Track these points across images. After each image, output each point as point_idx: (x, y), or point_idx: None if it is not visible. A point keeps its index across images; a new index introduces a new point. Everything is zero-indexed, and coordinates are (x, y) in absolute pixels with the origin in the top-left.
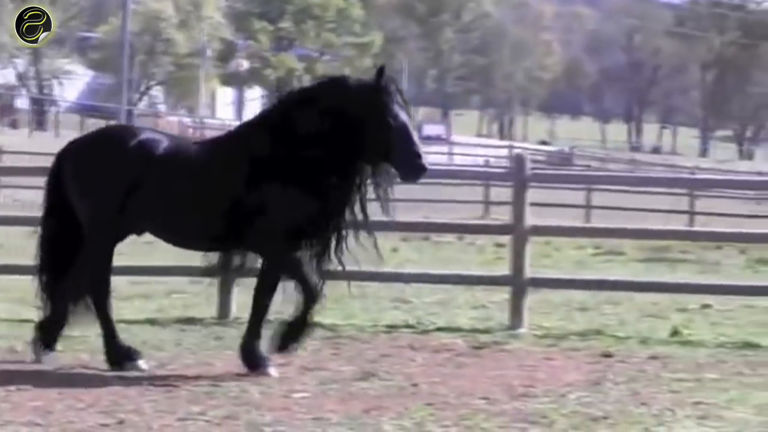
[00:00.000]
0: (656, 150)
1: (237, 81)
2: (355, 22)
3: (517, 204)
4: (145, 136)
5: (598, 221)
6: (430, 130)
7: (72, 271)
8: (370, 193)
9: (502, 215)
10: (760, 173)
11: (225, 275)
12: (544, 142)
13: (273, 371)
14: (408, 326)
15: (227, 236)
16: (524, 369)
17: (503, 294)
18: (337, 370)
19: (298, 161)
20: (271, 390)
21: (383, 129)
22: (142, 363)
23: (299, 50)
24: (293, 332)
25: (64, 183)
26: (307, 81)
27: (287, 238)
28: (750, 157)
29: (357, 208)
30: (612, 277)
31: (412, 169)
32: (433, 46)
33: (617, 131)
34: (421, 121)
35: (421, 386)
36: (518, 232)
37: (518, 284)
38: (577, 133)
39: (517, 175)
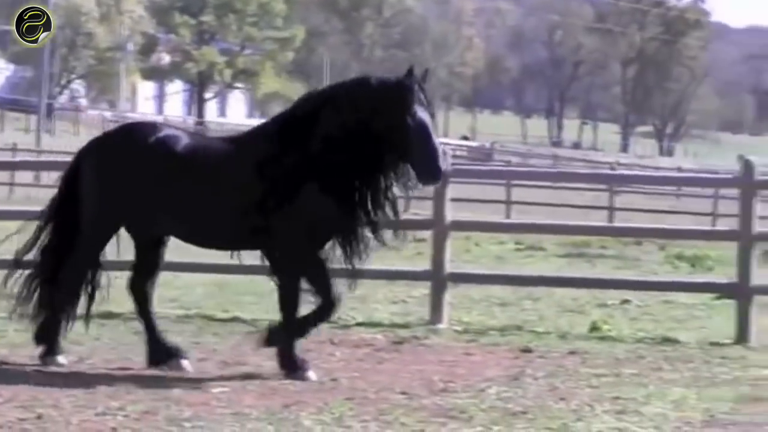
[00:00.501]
0: (577, 145)
1: (158, 75)
2: (277, 16)
3: (438, 199)
4: (165, 133)
5: (519, 217)
6: None
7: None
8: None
9: (422, 210)
10: (679, 169)
11: None
12: (465, 138)
13: (312, 374)
14: (328, 321)
15: (249, 237)
16: (444, 364)
17: (423, 289)
18: (257, 365)
19: (320, 161)
20: (191, 385)
21: (401, 128)
22: (186, 362)
23: (221, 44)
24: (297, 328)
25: (80, 181)
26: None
27: (310, 241)
28: (670, 153)
29: (379, 207)
30: (532, 273)
31: (428, 171)
32: (355, 40)
33: (538, 126)
34: None
35: (341, 381)
36: (438, 228)
37: (438, 279)
38: (499, 128)
39: None
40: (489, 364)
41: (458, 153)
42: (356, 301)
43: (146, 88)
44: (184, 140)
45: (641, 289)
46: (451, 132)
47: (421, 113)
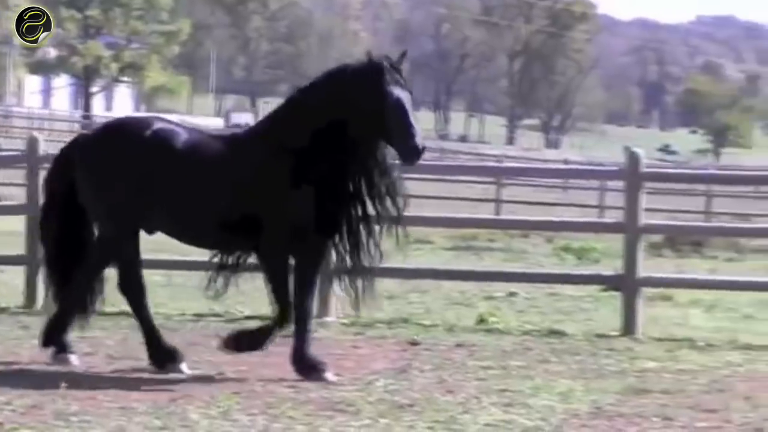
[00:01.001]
0: (463, 138)
1: (44, 69)
2: (163, 9)
3: None
4: (159, 126)
5: (407, 209)
6: (238, 118)
7: (81, 267)
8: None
9: None
10: (566, 161)
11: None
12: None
13: (330, 375)
14: (215, 315)
15: (236, 236)
16: (331, 357)
17: None
18: (144, 360)
19: (312, 157)
20: (78, 379)
21: (377, 108)
22: (184, 366)
23: (106, 38)
24: (244, 337)
25: (71, 175)
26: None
27: (290, 239)
28: (556, 145)
29: (378, 199)
30: (419, 266)
31: (407, 149)
32: (242, 34)
33: (425, 119)
34: (228, 110)
35: (228, 375)
36: None
37: (326, 273)
38: None
39: None
40: (376, 357)
41: None
42: (244, 295)
43: (33, 83)
44: (182, 135)
45: (528, 282)
46: None
47: (398, 92)
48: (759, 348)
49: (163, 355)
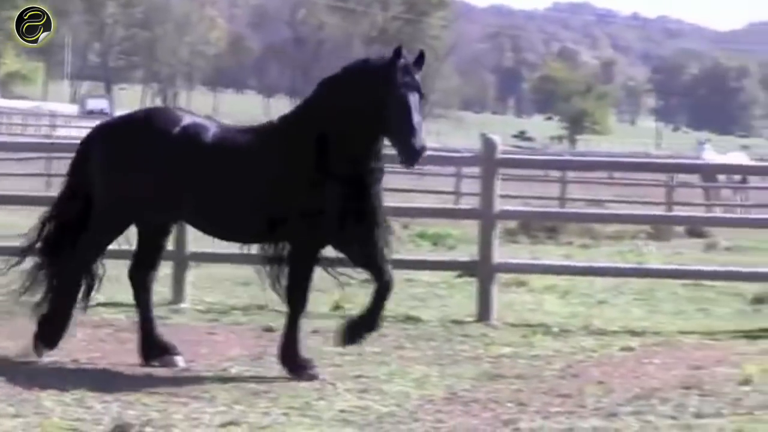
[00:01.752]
0: None
1: None
2: None
3: None
4: (187, 120)
5: None
6: (94, 104)
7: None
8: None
9: None
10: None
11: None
12: (208, 117)
13: (317, 372)
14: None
15: (268, 230)
16: (187, 344)
17: (166, 269)
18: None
19: (336, 151)
20: None
21: (383, 107)
22: (179, 358)
23: None
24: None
25: (89, 167)
26: None
27: (314, 234)
28: None
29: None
30: None
31: (409, 150)
32: (97, 20)
33: (281, 105)
34: (83, 96)
35: (82, 362)
36: None
37: (180, 259)
38: (242, 107)
39: None
40: (232, 344)
41: None
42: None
43: None
44: (210, 128)
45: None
46: (194, 111)
47: (405, 92)
48: (612, 333)
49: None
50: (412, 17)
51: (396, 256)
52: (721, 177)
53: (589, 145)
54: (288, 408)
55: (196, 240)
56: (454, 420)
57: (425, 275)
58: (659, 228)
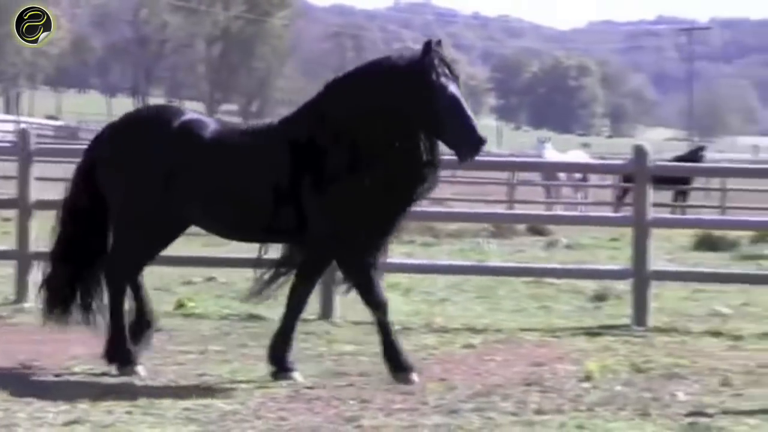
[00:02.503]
0: None
1: None
2: None
3: (22, 179)
4: (189, 117)
5: None
6: None
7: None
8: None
9: (6, 190)
10: None
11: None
12: (51, 117)
13: (298, 375)
14: None
15: (283, 229)
16: (30, 343)
17: (8, 268)
18: None
19: (347, 150)
20: None
21: (432, 106)
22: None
23: None
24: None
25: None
26: None
27: (349, 236)
28: None
29: (418, 193)
30: None
31: (470, 144)
32: None
33: (124, 105)
34: None
35: None
36: (23, 207)
37: (24, 258)
38: (84, 107)
39: (22, 150)
40: (75, 343)
41: (44, 132)
42: None
43: None
44: (214, 126)
45: (227, 266)
46: (36, 111)
47: (451, 87)
48: (454, 331)
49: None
50: (255, 17)
51: (240, 256)
52: (562, 175)
53: None
54: (131, 406)
55: (39, 239)
56: (296, 417)
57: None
58: (500, 226)
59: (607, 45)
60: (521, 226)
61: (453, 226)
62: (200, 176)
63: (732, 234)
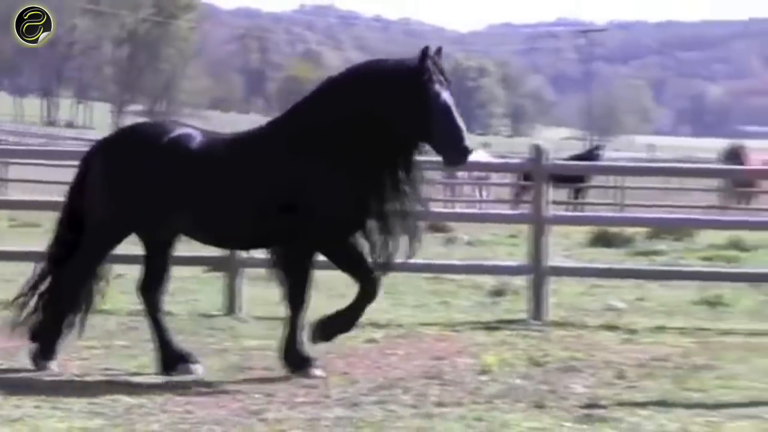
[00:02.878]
0: (71, 124)
1: None
2: None
3: None
4: (178, 132)
5: (15, 194)
6: None
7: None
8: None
9: None
10: None
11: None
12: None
13: (319, 371)
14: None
15: (269, 235)
16: None
17: None
18: None
19: (337, 154)
20: None
21: (423, 112)
22: (197, 367)
23: None
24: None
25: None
26: None
27: (329, 239)
28: None
29: (406, 196)
30: (27, 249)
31: (459, 150)
32: None
33: (33, 106)
34: None
35: None
36: None
37: None
38: None
39: None
40: None
41: None
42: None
43: None
44: (200, 138)
45: (135, 263)
46: None
47: (443, 94)
48: (356, 326)
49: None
50: (161, 19)
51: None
52: (462, 173)
53: None
54: (39, 401)
55: None
56: (202, 411)
57: (176, 270)
58: None
59: (507, 47)
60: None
61: None
62: (189, 188)
63: (627, 231)
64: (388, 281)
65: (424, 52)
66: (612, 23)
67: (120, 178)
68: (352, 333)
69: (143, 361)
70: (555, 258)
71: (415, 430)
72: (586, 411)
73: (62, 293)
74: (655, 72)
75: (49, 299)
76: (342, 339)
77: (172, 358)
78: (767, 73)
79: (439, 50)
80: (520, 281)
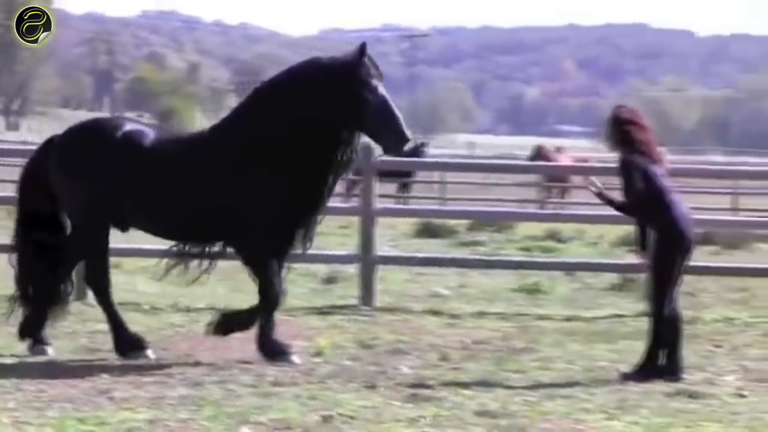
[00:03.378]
0: None
1: None
2: None
3: None
4: (131, 127)
5: None
6: None
7: (57, 260)
8: None
9: None
10: (25, 142)
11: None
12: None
13: (296, 358)
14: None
15: (206, 229)
16: None
17: None
18: None
19: (277, 150)
20: None
21: (362, 105)
22: (150, 352)
23: None
24: (233, 320)
25: (47, 172)
26: None
27: (269, 232)
28: (16, 128)
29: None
30: None
31: (398, 138)
32: None
33: None
34: None
35: None
36: None
37: None
38: None
39: None
40: None
41: None
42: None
43: None
44: (151, 135)
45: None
46: None
47: (380, 87)
48: (198, 311)
49: (127, 344)
50: (12, 24)
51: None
52: None
53: None
54: None
55: None
56: (55, 390)
57: None
58: None
59: (337, 51)
60: None
61: None
62: (142, 182)
63: (450, 222)
64: (226, 268)
65: (362, 49)
66: (434, 28)
67: (78, 170)
68: (193, 317)
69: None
70: (383, 248)
71: (252, 407)
72: (412, 391)
73: (48, 285)
74: (475, 75)
75: (34, 291)
76: (183, 322)
77: (125, 344)
78: (580, 76)
79: (363, 45)
80: (351, 269)
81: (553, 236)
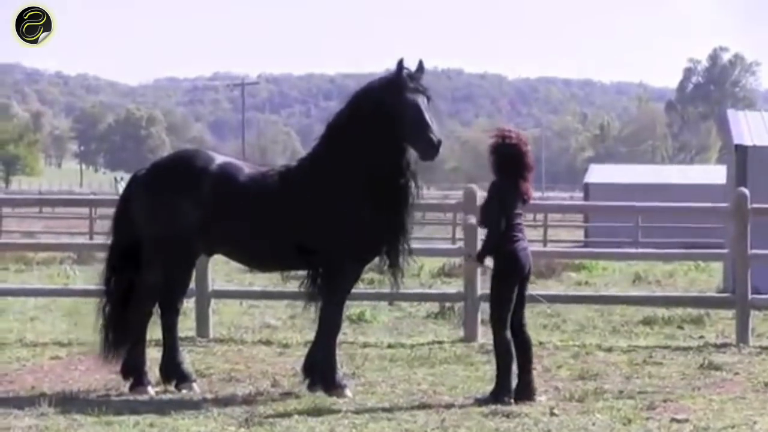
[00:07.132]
0: None
1: None
2: None
3: None
4: (221, 161)
5: None
6: None
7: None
8: None
9: None
10: None
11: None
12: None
13: (349, 392)
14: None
15: (298, 258)
16: None
17: None
18: None
19: (357, 177)
20: None
21: (398, 113)
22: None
23: None
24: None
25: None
26: None
27: (356, 257)
28: None
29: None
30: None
31: (428, 146)
32: None
33: None
34: None
35: None
36: None
37: None
38: None
39: None
40: None
41: None
42: None
43: None
44: (239, 168)
45: None
46: None
47: (413, 96)
48: (43, 345)
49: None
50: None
51: None
52: None
53: (22, 185)
54: None
55: None
56: None
57: None
58: (83, 253)
59: (172, 99)
60: (101, 254)
61: (43, 255)
62: (231, 216)
63: None
64: (69, 304)
65: (399, 65)
66: (262, 76)
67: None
68: (38, 351)
69: None
70: (218, 282)
71: None
72: (246, 416)
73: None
74: (301, 120)
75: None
76: (27, 356)
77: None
78: None
79: (420, 63)
80: (188, 303)
81: (376, 268)
